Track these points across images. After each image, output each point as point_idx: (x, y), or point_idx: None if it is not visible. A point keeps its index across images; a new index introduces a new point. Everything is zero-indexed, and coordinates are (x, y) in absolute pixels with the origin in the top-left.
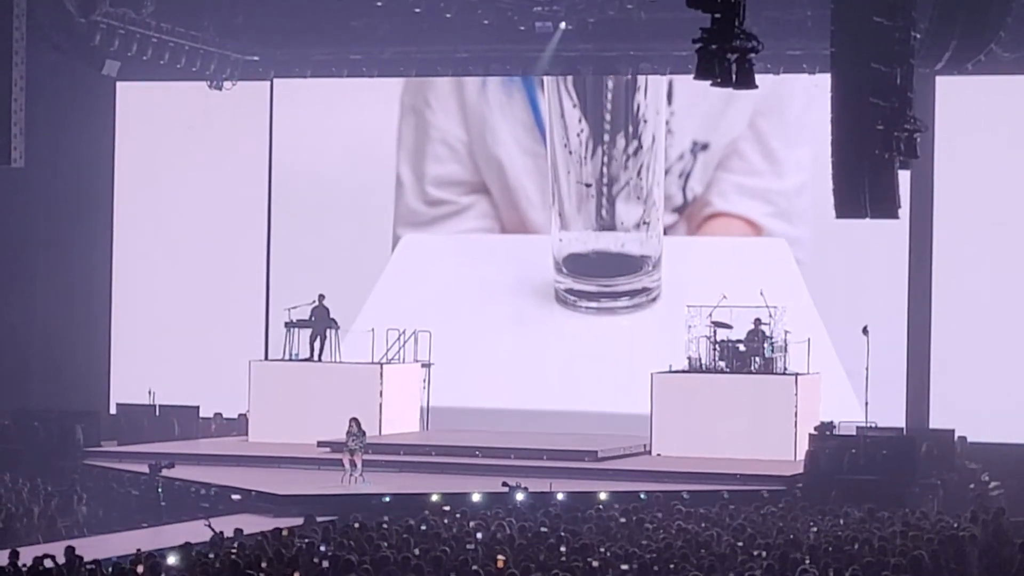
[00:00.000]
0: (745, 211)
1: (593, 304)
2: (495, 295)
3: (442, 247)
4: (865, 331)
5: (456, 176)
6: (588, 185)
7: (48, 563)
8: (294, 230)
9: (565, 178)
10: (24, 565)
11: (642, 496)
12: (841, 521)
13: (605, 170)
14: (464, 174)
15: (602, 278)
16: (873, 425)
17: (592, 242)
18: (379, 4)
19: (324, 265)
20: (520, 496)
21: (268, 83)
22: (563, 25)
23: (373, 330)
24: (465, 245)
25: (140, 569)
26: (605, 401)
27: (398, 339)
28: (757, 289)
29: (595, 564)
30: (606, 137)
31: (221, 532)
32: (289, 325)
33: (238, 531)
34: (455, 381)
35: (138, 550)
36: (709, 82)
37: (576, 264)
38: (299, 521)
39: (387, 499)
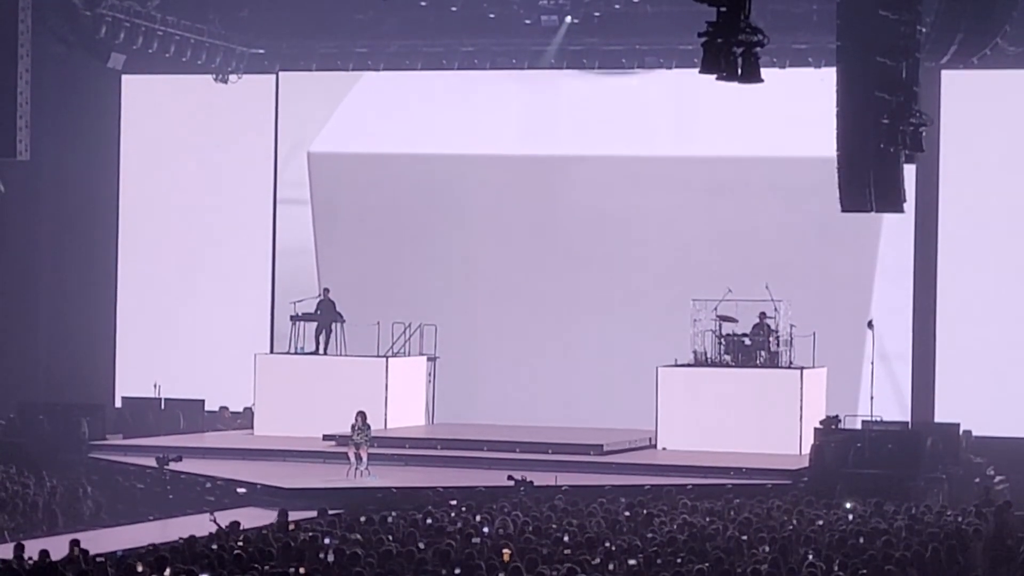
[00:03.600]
0: None
1: None
2: None
3: None
4: (870, 325)
5: None
6: None
7: (54, 556)
8: (300, 223)
9: None
10: (30, 558)
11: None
12: (850, 517)
13: None
14: None
15: None
16: (878, 419)
17: None
18: None
19: None
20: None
21: (274, 76)
22: (568, 19)
23: (379, 323)
24: None
25: (140, 569)
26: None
27: (404, 332)
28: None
29: (600, 559)
30: None
31: (227, 526)
32: (295, 318)
33: (234, 524)
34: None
35: (153, 546)
36: (714, 76)
37: None
38: (306, 514)
39: (393, 491)
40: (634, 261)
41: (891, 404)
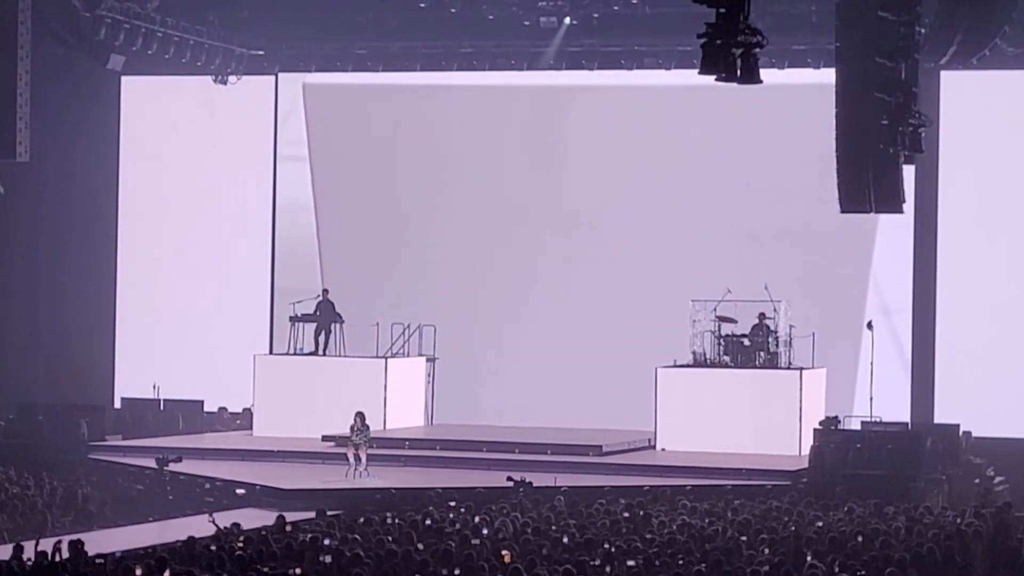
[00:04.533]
0: None
1: None
2: None
3: None
4: (870, 326)
5: None
6: None
7: (53, 557)
8: (299, 224)
9: None
10: (29, 559)
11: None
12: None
13: None
14: None
15: None
16: (878, 420)
17: None
18: None
19: None
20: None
21: (273, 77)
22: (567, 20)
23: (378, 324)
24: None
25: (139, 571)
26: None
27: (403, 333)
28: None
29: (599, 560)
30: None
31: (226, 527)
32: (294, 319)
33: (235, 525)
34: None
35: (152, 547)
36: (714, 77)
37: None
38: (305, 515)
39: (393, 492)
40: (633, 261)
41: (891, 405)
